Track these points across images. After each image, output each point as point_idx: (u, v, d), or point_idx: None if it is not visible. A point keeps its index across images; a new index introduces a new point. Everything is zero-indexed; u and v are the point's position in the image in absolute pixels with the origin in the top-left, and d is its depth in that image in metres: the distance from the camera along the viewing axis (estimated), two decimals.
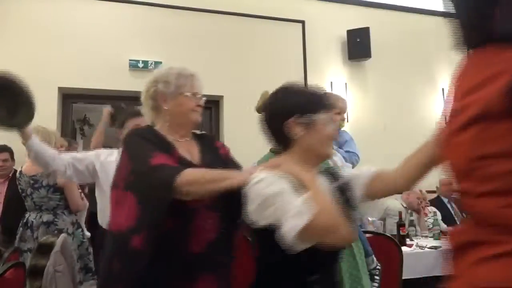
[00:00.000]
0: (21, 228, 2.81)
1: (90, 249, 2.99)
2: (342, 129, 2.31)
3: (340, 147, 2.17)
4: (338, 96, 2.44)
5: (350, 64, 4.90)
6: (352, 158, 2.16)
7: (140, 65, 4.13)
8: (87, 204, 3.21)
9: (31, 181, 2.82)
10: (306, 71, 4.72)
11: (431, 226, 4.01)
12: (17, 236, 2.80)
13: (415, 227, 3.96)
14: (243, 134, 4.41)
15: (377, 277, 2.12)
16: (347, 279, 1.81)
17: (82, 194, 3.30)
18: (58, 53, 3.95)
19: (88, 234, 3.76)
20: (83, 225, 3.67)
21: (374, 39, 4.79)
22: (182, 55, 4.23)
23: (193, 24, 4.38)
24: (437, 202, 4.62)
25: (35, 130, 2.91)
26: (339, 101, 2.32)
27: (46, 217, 2.78)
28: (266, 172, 1.16)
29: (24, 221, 2.81)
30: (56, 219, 2.78)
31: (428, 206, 4.44)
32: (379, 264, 2.16)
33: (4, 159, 3.36)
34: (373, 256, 2.16)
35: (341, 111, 2.27)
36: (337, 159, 1.95)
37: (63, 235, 2.53)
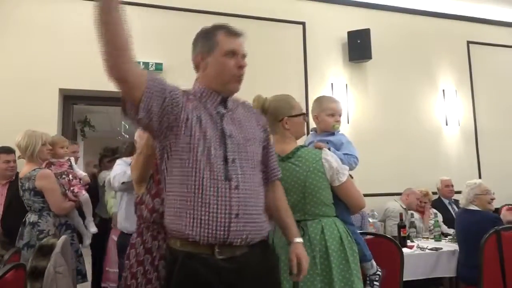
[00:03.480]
0: (21, 227, 2.87)
1: (81, 251, 2.99)
2: (338, 131, 2.24)
3: (337, 149, 2.10)
4: (331, 98, 2.36)
5: (350, 65, 4.90)
6: (351, 160, 2.08)
7: (141, 66, 4.13)
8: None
9: (21, 184, 2.91)
10: (306, 73, 4.73)
11: (432, 227, 4.00)
12: (18, 234, 2.85)
13: (416, 228, 3.95)
14: None
15: (376, 283, 2.05)
16: (339, 282, 1.76)
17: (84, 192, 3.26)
18: (59, 54, 3.95)
19: (95, 229, 3.68)
20: (91, 223, 3.61)
21: (374, 40, 4.80)
22: (183, 57, 4.16)
23: (194, 25, 4.31)
24: (437, 203, 4.58)
25: (24, 134, 2.93)
26: (330, 102, 2.22)
27: (33, 218, 2.85)
28: None
29: (23, 220, 2.89)
30: (39, 220, 2.83)
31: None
32: (379, 270, 2.09)
33: (13, 160, 3.38)
34: (373, 261, 2.08)
35: (335, 112, 2.18)
36: (333, 160, 1.88)
37: (63, 237, 2.53)
